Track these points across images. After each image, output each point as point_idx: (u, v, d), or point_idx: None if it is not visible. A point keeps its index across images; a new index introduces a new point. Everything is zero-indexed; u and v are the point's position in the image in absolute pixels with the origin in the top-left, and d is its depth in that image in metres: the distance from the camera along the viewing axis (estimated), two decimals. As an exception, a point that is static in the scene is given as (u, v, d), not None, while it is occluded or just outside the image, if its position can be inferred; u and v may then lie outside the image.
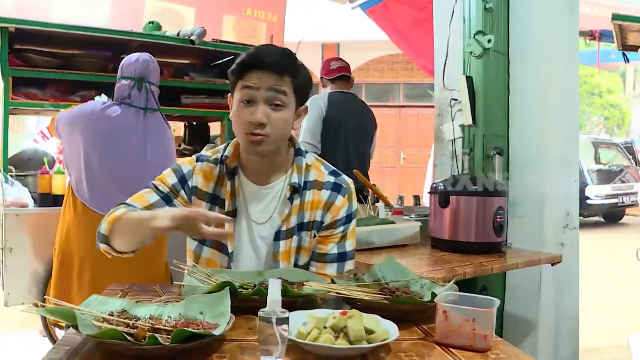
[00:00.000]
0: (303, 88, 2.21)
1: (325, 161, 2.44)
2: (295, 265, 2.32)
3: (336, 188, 2.32)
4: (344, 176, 2.39)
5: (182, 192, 2.30)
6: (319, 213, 2.30)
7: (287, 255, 2.29)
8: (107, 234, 2.12)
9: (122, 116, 3.74)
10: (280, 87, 2.12)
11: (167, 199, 2.27)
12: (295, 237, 2.30)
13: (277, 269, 2.23)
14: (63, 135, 3.82)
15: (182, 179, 2.31)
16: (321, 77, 5.58)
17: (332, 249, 2.32)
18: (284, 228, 2.28)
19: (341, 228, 2.33)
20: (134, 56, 3.89)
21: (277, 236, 2.28)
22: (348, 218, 2.33)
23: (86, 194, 3.75)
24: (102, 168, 3.72)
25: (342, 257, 2.34)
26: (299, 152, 2.36)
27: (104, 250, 2.19)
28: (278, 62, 2.13)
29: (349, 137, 5.22)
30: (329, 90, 5.41)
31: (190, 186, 2.31)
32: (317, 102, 5.14)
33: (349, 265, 2.36)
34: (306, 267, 2.35)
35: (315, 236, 2.32)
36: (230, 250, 2.29)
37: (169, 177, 2.32)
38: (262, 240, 2.31)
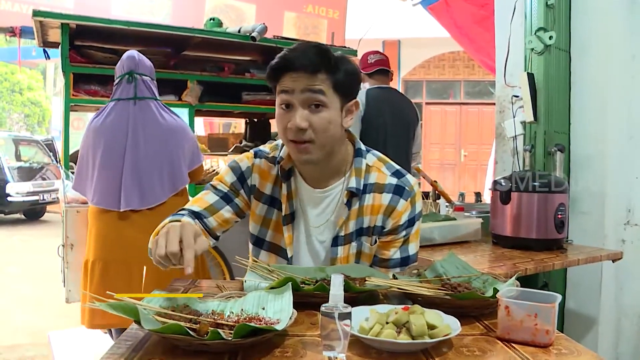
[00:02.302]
0: (345, 83, 2.05)
1: (388, 159, 2.30)
2: None
3: (398, 191, 2.18)
4: (408, 177, 2.24)
5: (242, 192, 2.26)
6: (379, 218, 2.19)
7: (346, 261, 2.19)
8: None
9: (107, 116, 3.79)
10: (316, 87, 1.99)
11: (227, 198, 2.24)
12: (354, 243, 2.21)
13: (339, 265, 2.17)
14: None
15: (241, 177, 2.26)
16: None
17: (394, 254, 2.22)
18: (341, 233, 2.19)
19: (403, 232, 2.20)
20: (128, 52, 3.94)
21: (335, 242, 2.19)
22: (411, 222, 2.20)
23: (92, 195, 3.80)
24: (99, 167, 3.77)
25: (404, 261, 2.23)
26: (358, 153, 2.23)
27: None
28: (310, 60, 1.98)
29: (389, 135, 5.03)
30: (367, 87, 5.24)
31: (250, 185, 2.26)
32: None
33: None
34: None
35: (376, 242, 2.21)
36: (289, 255, 2.23)
37: (227, 176, 2.27)
38: (321, 244, 2.24)
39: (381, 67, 5.27)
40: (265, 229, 2.28)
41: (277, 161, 2.23)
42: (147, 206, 3.70)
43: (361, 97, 4.90)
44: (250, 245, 2.34)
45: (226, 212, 2.23)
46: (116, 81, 3.88)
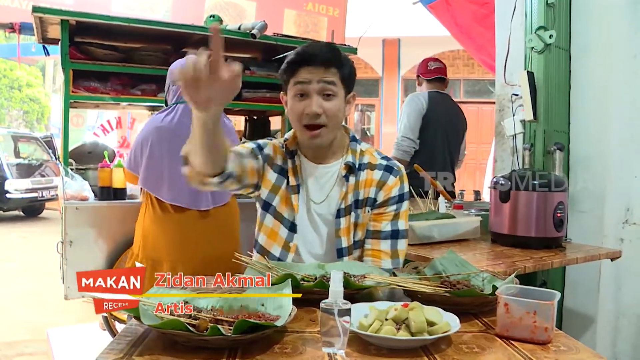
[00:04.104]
0: (349, 78, 2.40)
1: (377, 149, 2.60)
2: (353, 241, 2.45)
3: (388, 169, 2.47)
4: (395, 161, 2.54)
5: (260, 157, 2.48)
6: (372, 190, 2.45)
7: (347, 231, 2.44)
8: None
9: (181, 115, 3.86)
10: (329, 79, 2.32)
11: (252, 155, 2.44)
12: (352, 214, 2.45)
13: (339, 262, 2.32)
14: (141, 164, 3.90)
15: (259, 147, 2.50)
16: (417, 75, 5.66)
17: (385, 226, 2.44)
18: (342, 206, 2.44)
19: (394, 206, 2.45)
20: (181, 60, 3.92)
21: (338, 214, 2.44)
22: (400, 198, 2.46)
23: (167, 193, 3.84)
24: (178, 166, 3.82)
25: (395, 234, 2.44)
26: (353, 139, 2.55)
27: (188, 173, 2.17)
28: (325, 56, 2.32)
29: (444, 135, 5.29)
30: (426, 89, 5.48)
31: (264, 153, 2.49)
32: (419, 99, 5.24)
33: (402, 244, 2.46)
34: (362, 243, 2.47)
35: (369, 211, 2.46)
36: (295, 222, 2.47)
37: (247, 144, 2.52)
38: (319, 217, 2.48)
39: (440, 76, 5.52)
40: (274, 195, 2.50)
41: (283, 143, 2.53)
42: (217, 205, 3.89)
43: (424, 97, 5.31)
44: (259, 211, 2.55)
45: (255, 163, 2.44)
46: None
